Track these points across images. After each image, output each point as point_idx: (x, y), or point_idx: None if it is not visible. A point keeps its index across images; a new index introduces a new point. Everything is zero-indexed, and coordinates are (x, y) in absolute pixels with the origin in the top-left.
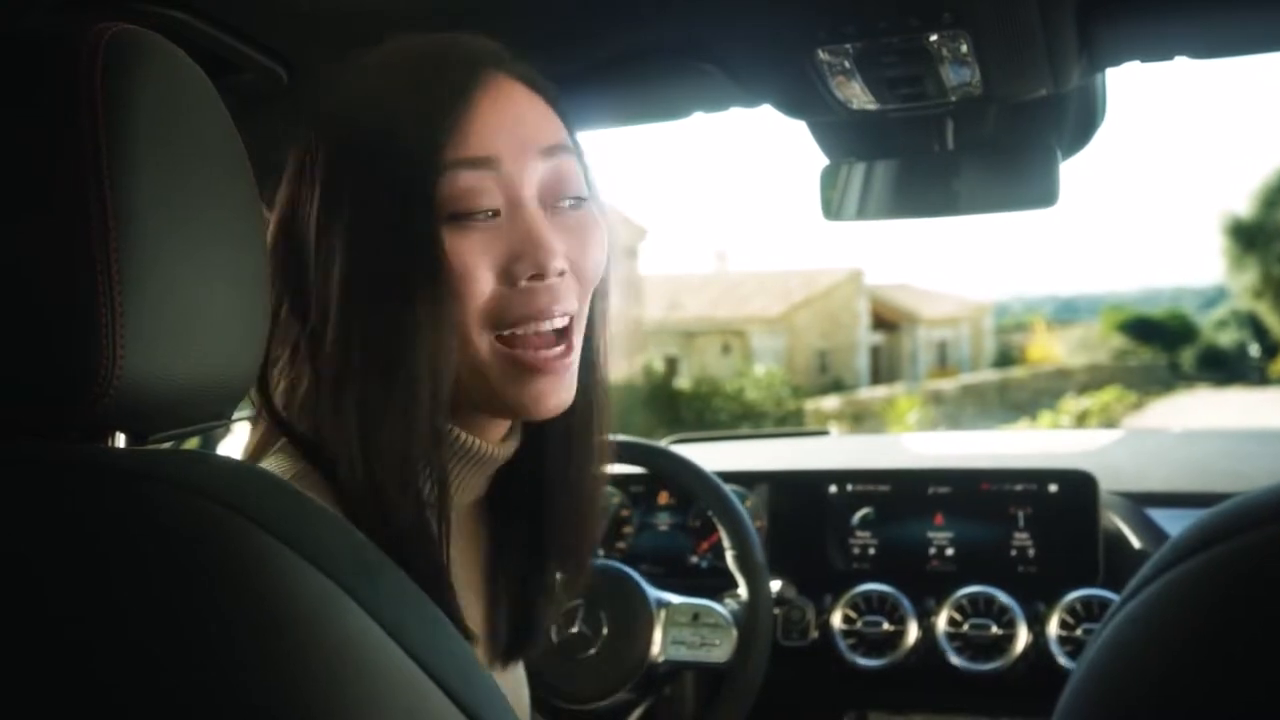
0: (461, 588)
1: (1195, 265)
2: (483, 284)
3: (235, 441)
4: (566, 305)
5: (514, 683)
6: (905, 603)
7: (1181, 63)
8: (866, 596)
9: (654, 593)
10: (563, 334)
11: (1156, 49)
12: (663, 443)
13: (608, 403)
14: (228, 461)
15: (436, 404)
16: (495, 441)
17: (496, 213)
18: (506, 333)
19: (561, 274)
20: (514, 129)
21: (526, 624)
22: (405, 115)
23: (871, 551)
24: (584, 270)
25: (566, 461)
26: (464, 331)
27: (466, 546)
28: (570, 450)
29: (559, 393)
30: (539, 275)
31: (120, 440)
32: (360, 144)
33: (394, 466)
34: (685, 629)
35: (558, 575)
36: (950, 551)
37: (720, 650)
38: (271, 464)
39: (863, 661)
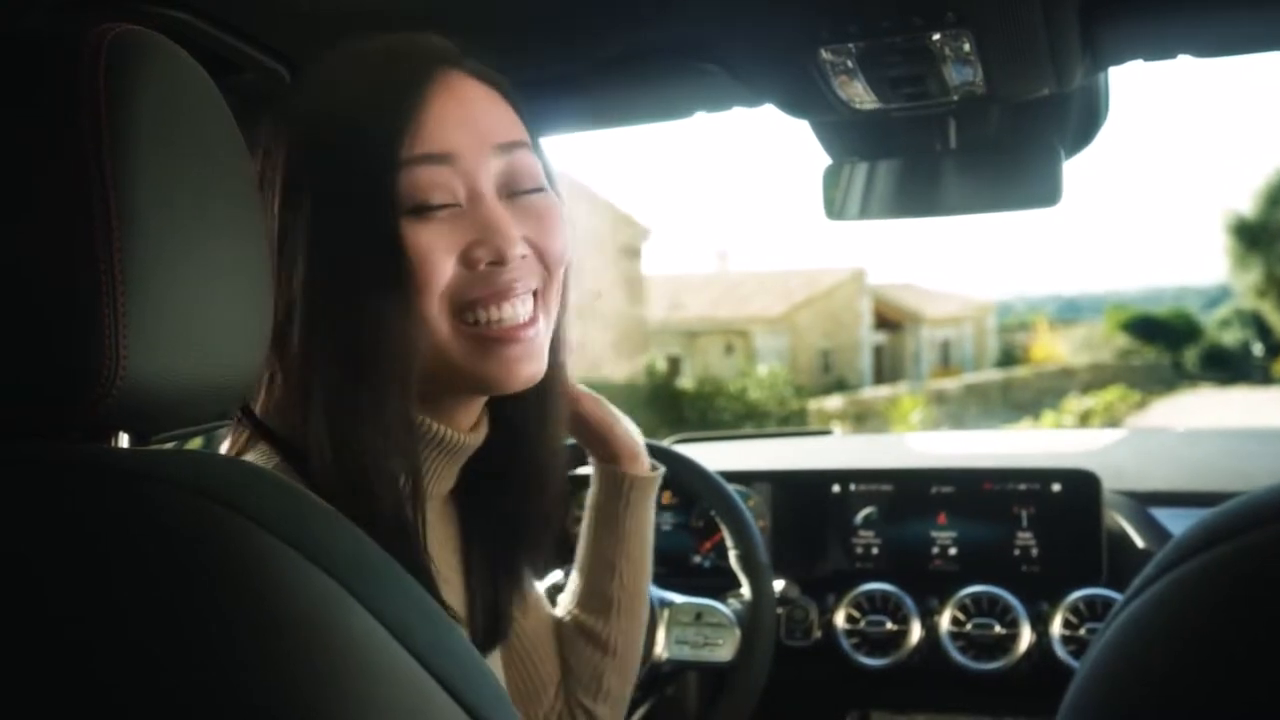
0: (439, 580)
1: (1199, 264)
2: (443, 270)
3: None
4: (529, 283)
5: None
6: (908, 602)
7: (1185, 61)
8: (870, 596)
9: (657, 592)
10: (529, 324)
11: (1159, 48)
12: (666, 443)
13: (568, 382)
14: (230, 461)
15: (405, 394)
16: (465, 430)
17: (456, 204)
18: (470, 318)
19: (524, 257)
20: (470, 125)
21: (497, 614)
22: (362, 113)
23: (874, 551)
24: (547, 251)
25: (539, 442)
26: (427, 317)
27: (442, 538)
28: (544, 431)
29: (530, 362)
30: (498, 261)
31: (123, 440)
32: (318, 142)
33: (367, 461)
34: (688, 629)
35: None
36: (953, 551)
37: (723, 650)
38: (254, 459)
39: (866, 661)
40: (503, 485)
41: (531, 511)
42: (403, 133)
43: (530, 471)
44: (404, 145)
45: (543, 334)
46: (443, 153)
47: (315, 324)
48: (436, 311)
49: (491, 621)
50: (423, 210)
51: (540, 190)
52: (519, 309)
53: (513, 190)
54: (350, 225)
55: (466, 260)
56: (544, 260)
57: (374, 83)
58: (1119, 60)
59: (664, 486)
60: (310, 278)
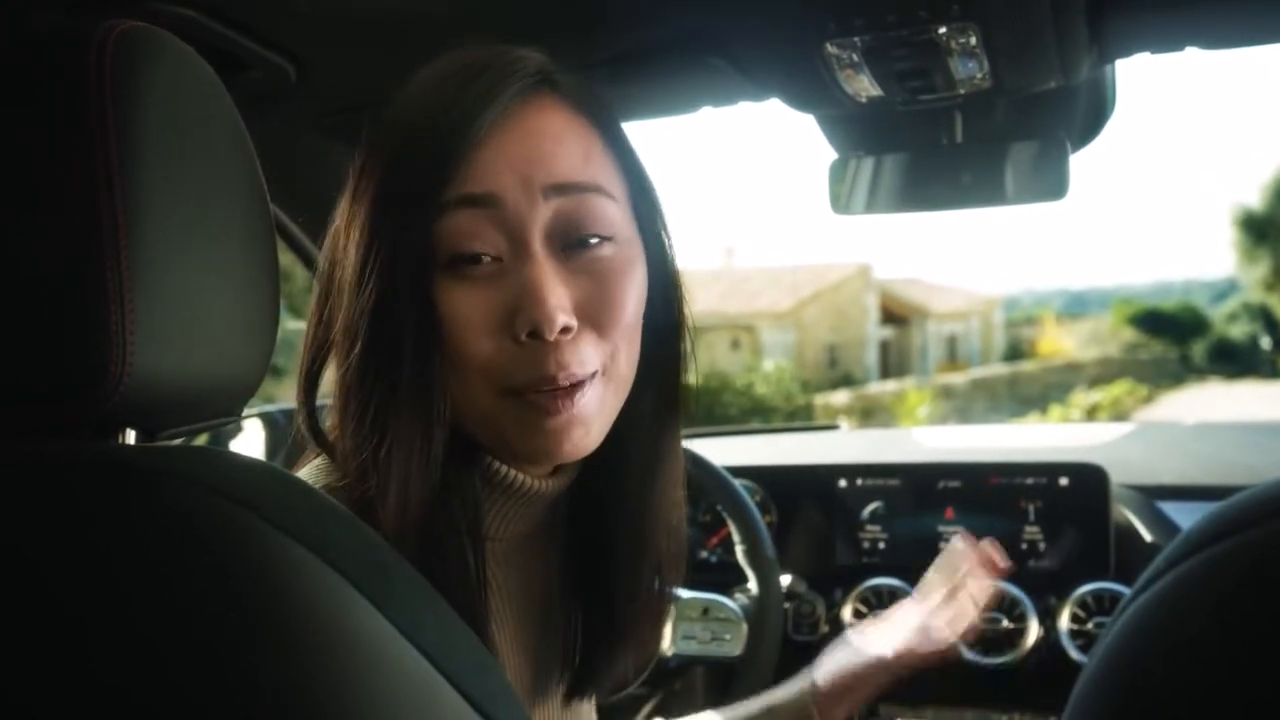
0: (501, 618)
1: (1206, 258)
2: (481, 342)
3: (245, 438)
4: (577, 368)
5: None
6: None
7: (1192, 54)
8: (876, 591)
9: None
10: (576, 387)
11: (1167, 40)
12: None
13: (675, 442)
14: (240, 458)
15: (427, 464)
16: (541, 476)
17: (499, 259)
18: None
19: (568, 330)
20: (521, 162)
21: (584, 664)
22: (415, 146)
23: (881, 546)
24: (602, 324)
25: (640, 495)
26: (465, 388)
27: (515, 576)
28: (647, 484)
29: (573, 434)
30: (536, 334)
31: (130, 437)
32: (373, 175)
33: (393, 511)
34: (695, 623)
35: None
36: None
37: (731, 644)
38: (305, 472)
39: None
40: (602, 535)
41: (631, 567)
42: (447, 173)
43: (630, 524)
44: (447, 187)
45: (594, 402)
46: (484, 194)
47: (344, 372)
48: (476, 385)
49: (577, 671)
50: (459, 264)
51: (603, 241)
52: (569, 384)
53: (569, 241)
54: (383, 274)
55: (507, 330)
56: (599, 331)
57: (433, 112)
58: (1126, 53)
59: None
60: (344, 323)
